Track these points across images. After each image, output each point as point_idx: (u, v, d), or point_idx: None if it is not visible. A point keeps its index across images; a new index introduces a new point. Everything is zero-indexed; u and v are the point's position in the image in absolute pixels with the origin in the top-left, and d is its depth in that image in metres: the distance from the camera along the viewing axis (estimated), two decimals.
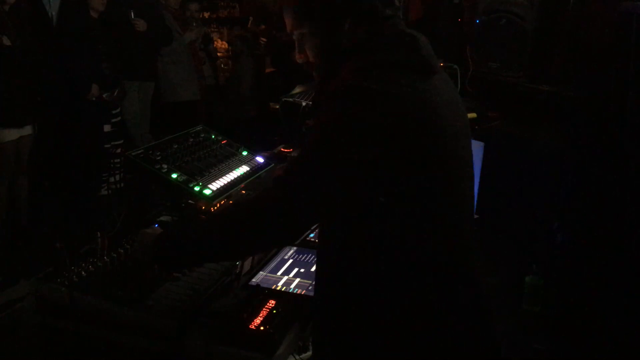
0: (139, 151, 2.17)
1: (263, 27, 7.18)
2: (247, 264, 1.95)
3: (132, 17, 5.11)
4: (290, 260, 2.03)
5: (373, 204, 1.32)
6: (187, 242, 1.52)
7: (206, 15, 7.95)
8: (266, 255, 2.07)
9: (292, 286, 1.86)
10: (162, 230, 1.65)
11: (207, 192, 2.11)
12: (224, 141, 2.52)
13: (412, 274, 1.35)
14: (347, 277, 1.40)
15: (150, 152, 2.18)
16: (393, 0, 1.42)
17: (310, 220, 1.44)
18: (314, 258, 2.03)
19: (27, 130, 4.31)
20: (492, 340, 1.48)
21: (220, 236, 1.45)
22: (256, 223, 1.39)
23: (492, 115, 4.40)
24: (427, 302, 1.36)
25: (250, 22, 7.62)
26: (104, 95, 4.72)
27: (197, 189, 2.10)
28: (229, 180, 2.25)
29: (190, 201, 2.12)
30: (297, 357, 1.80)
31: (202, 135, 2.48)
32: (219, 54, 7.07)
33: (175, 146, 2.28)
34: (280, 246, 2.03)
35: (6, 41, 3.97)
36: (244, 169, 2.38)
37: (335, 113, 1.31)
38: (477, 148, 1.57)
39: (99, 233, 1.85)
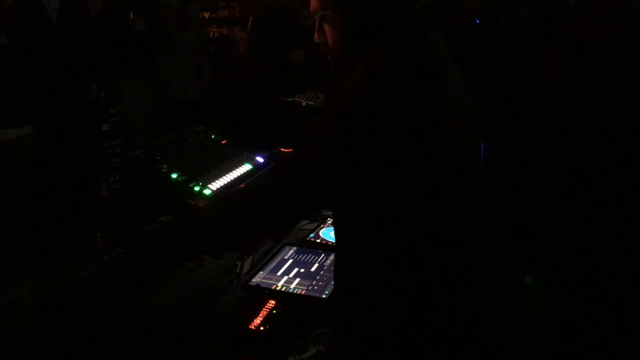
0: (139, 151, 2.17)
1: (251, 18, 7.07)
2: (247, 264, 1.95)
3: (131, 17, 5.12)
4: (290, 260, 2.03)
5: (374, 204, 1.33)
6: (194, 226, 1.47)
7: (206, 15, 7.95)
8: (266, 255, 2.07)
9: (292, 286, 1.86)
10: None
11: (207, 192, 2.11)
12: (224, 141, 2.52)
13: (415, 275, 1.36)
14: (357, 275, 1.41)
15: (150, 152, 2.18)
16: None
17: (315, 202, 1.42)
18: (314, 258, 2.03)
19: (26, 130, 4.31)
20: (490, 342, 1.48)
21: (229, 215, 1.42)
22: (266, 198, 1.37)
23: (492, 116, 4.39)
24: (427, 301, 1.37)
25: (250, 22, 7.60)
26: (101, 95, 4.72)
27: (197, 189, 2.10)
28: (228, 180, 2.25)
29: (190, 201, 2.12)
30: (297, 357, 1.80)
31: (202, 135, 2.48)
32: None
33: (175, 146, 2.28)
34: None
35: (4, 40, 3.97)
36: (243, 168, 2.38)
37: (348, 110, 1.31)
38: None
39: (99, 233, 1.85)
